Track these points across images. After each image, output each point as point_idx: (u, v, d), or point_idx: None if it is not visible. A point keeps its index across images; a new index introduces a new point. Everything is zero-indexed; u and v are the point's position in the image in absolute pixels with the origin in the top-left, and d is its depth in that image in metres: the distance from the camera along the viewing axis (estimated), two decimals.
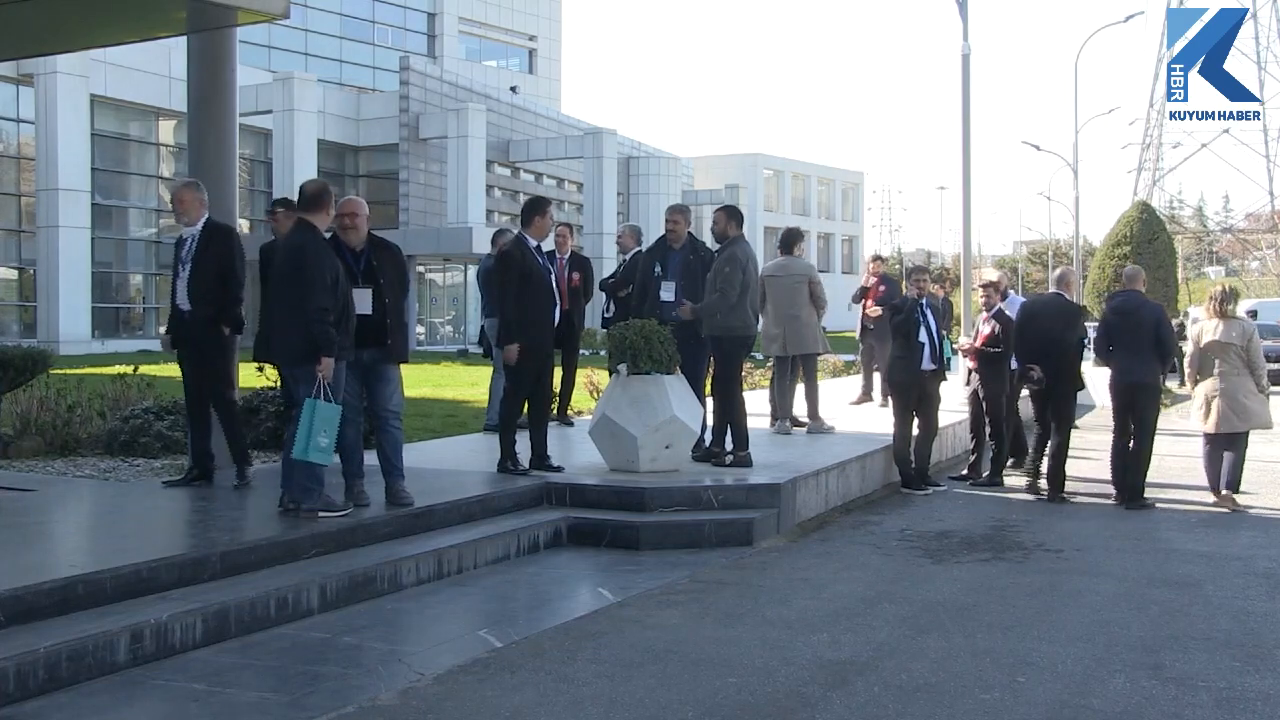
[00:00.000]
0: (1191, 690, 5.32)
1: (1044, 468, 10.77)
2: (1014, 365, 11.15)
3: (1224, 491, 10.24)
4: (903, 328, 10.82)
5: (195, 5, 8.59)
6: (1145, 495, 10.24)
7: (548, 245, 10.30)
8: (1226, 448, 10.26)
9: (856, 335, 15.83)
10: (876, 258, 16.00)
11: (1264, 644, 6.11)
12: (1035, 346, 10.55)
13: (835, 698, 5.16)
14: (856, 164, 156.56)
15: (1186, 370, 10.74)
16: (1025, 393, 11.38)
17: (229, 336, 8.51)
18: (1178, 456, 13.50)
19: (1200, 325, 10.45)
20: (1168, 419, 15.36)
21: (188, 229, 8.47)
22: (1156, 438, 10.56)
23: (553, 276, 9.38)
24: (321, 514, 7.28)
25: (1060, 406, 10.66)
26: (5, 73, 34.68)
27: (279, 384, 8.96)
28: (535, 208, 9.34)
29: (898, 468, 11.01)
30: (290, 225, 7.85)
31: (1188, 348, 10.75)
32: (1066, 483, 10.66)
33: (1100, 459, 11.42)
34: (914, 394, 10.86)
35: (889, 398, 13.45)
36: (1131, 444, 10.30)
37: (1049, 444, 10.68)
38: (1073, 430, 11.20)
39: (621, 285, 11.86)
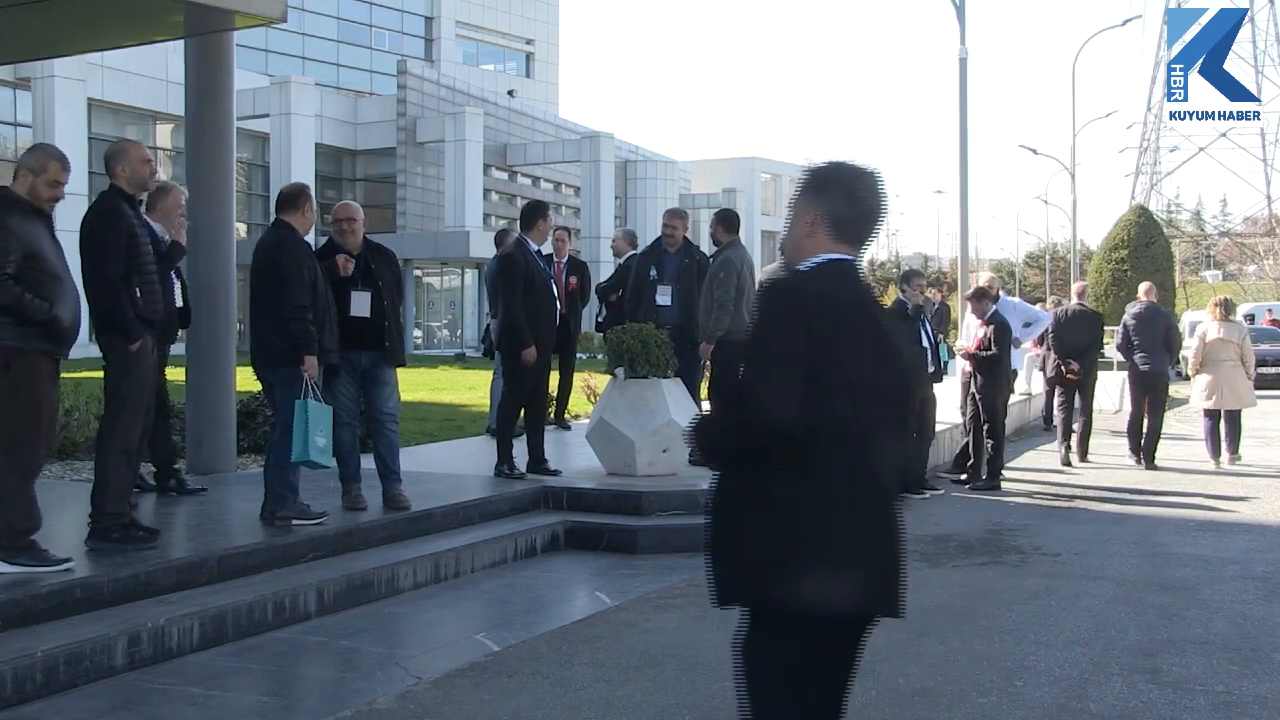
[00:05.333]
0: (1188, 694, 5.32)
1: (1074, 444, 13.46)
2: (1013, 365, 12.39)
3: (1227, 456, 13.01)
4: (911, 332, 10.85)
5: (192, 9, 8.57)
6: (1155, 459, 13.03)
7: (545, 249, 10.30)
8: (1225, 422, 13.02)
9: None
10: None
11: (1261, 648, 6.11)
12: (1072, 347, 13.25)
13: None
14: None
15: (1191, 361, 13.52)
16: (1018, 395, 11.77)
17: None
18: (1173, 461, 13.54)
19: (1205, 326, 13.17)
20: (1165, 424, 15.53)
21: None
22: (1159, 441, 13.29)
23: (552, 280, 9.40)
24: (296, 521, 7.15)
25: (1089, 390, 13.50)
26: (3, 76, 34.67)
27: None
28: (538, 211, 9.36)
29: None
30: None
31: (1192, 343, 13.59)
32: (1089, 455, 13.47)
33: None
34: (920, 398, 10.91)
35: None
36: (1147, 420, 13.04)
37: (1079, 420, 13.48)
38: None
39: (612, 290, 11.84)
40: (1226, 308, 13.21)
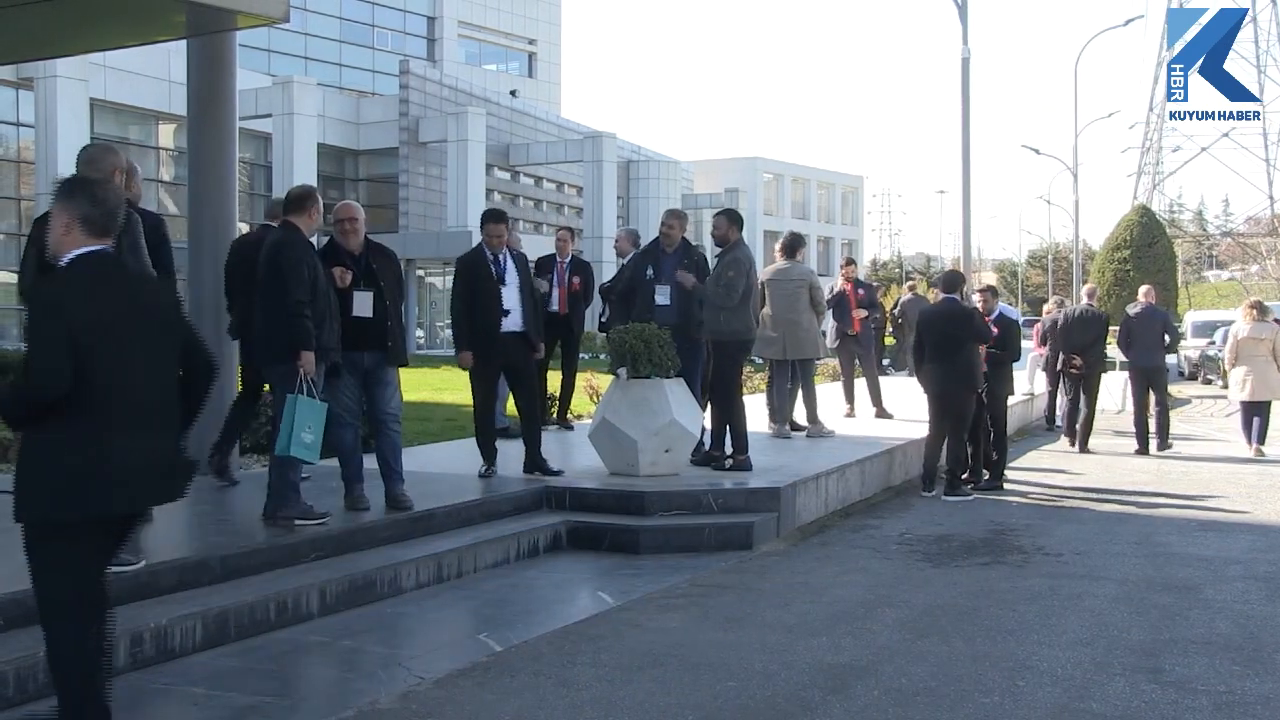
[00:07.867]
0: (1191, 694, 5.32)
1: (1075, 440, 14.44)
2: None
3: (1255, 446, 13.98)
4: (955, 335, 10.76)
5: (194, 9, 8.57)
6: (1169, 441, 14.22)
7: (547, 250, 10.30)
8: (1256, 413, 14.13)
9: (830, 343, 14.66)
10: (850, 261, 15.83)
11: (1264, 647, 6.11)
12: (1078, 344, 14.31)
13: (834, 702, 5.16)
14: (856, 167, 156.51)
15: (1226, 357, 15.01)
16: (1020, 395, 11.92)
17: None
18: (1178, 459, 13.56)
19: (1238, 325, 14.61)
20: (1171, 425, 15.66)
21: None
22: (1169, 424, 14.52)
23: (506, 285, 9.16)
24: (298, 521, 7.16)
25: (1094, 384, 14.46)
26: (5, 76, 34.69)
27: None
28: (488, 217, 9.45)
29: (930, 471, 10.98)
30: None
31: (1227, 339, 15.15)
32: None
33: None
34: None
35: (881, 405, 13.75)
36: (1154, 409, 14.20)
37: (1082, 413, 14.40)
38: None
39: (615, 290, 11.82)
40: (1260, 309, 14.54)
